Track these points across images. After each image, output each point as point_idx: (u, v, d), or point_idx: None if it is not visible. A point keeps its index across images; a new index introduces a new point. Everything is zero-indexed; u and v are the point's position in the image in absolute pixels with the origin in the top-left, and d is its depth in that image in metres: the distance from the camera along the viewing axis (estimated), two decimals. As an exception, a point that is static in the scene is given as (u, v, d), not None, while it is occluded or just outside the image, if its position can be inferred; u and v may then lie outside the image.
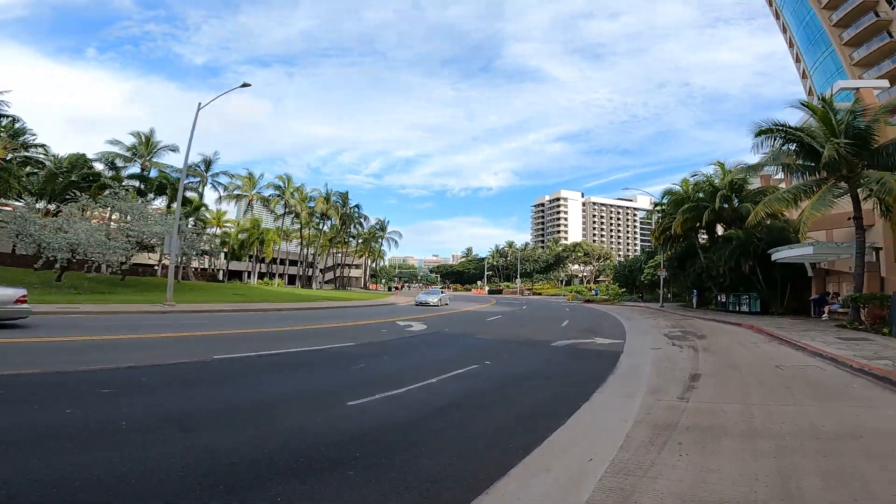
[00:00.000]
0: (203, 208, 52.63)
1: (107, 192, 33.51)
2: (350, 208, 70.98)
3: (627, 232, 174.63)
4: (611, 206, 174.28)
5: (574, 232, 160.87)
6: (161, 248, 31.89)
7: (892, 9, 37.93)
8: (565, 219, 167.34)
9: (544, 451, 4.51)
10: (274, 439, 4.51)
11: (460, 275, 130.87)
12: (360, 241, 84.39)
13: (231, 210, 65.82)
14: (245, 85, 26.25)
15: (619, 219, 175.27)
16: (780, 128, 16.01)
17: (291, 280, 71.28)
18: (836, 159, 14.51)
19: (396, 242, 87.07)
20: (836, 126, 15.22)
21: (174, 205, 46.55)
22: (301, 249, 67.84)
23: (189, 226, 40.16)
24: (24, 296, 10.53)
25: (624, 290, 57.82)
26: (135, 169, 43.68)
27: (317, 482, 3.53)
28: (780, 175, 35.09)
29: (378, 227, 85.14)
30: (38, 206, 33.42)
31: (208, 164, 51.83)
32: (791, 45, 51.59)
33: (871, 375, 7.53)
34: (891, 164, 14.72)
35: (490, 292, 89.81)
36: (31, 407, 4.95)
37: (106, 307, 16.64)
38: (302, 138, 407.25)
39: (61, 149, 61.91)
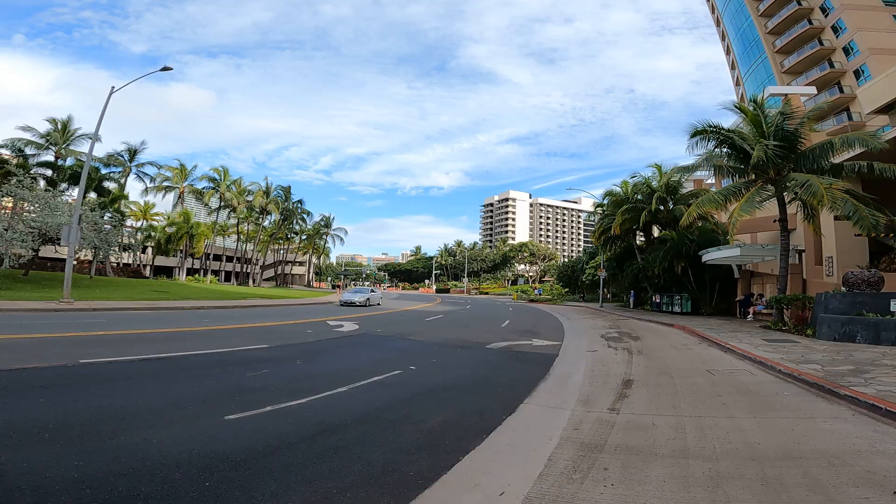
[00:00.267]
0: (123, 199, 48.50)
1: (14, 181, 29.95)
2: (293, 203, 68.09)
3: (572, 233, 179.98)
4: (557, 207, 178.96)
5: (521, 232, 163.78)
6: (85, 245, 28.99)
7: (826, 16, 40.55)
8: (513, 219, 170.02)
9: (449, 482, 3.71)
10: (97, 461, 3.59)
11: (409, 273, 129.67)
12: (303, 237, 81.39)
13: (164, 203, 61.46)
14: (166, 68, 24.20)
15: (564, 220, 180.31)
16: (714, 129, 16.30)
17: (230, 277, 67.38)
18: (764, 161, 14.86)
19: (342, 239, 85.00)
20: (766, 128, 15.65)
21: (90, 195, 42.90)
22: (238, 245, 64.24)
23: (105, 217, 36.70)
24: None
25: (567, 289, 59.03)
26: (49, 157, 39.48)
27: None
28: (712, 180, 36.82)
29: (323, 223, 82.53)
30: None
31: (133, 153, 47.66)
32: (728, 53, 54.32)
33: (801, 381, 7.34)
34: (816, 168, 15.30)
35: (438, 291, 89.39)
36: None
37: (-15, 305, 14.38)
38: (248, 132, 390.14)
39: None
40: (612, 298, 45.20)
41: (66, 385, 5.97)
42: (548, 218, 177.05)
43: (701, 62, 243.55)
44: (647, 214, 28.71)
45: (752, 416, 5.71)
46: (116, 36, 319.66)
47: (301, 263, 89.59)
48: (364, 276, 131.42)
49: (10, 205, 32.99)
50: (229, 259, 70.47)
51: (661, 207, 28.93)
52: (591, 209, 41.39)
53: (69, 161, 40.59)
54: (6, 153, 37.45)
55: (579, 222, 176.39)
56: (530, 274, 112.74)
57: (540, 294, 59.61)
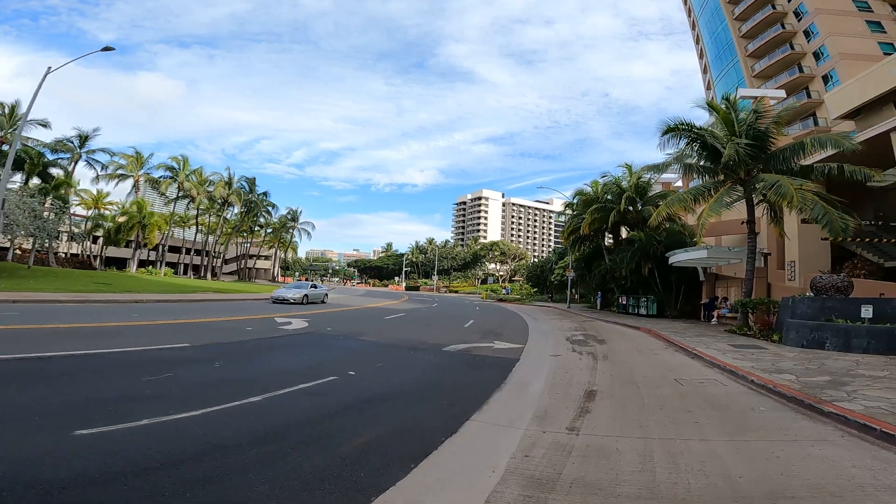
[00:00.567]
0: (72, 187, 45.44)
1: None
2: (257, 195, 65.47)
3: (543, 233, 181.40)
4: (529, 207, 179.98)
5: (493, 231, 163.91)
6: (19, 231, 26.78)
7: (799, 21, 41.18)
8: (485, 218, 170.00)
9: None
10: None
11: (379, 270, 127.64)
12: (268, 230, 78.66)
13: (122, 192, 58.01)
14: (107, 48, 22.54)
15: (536, 221, 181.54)
16: (686, 126, 15.85)
17: (188, 270, 64.28)
18: (735, 160, 14.46)
19: (309, 234, 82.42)
20: (737, 127, 15.27)
21: (33, 180, 39.98)
22: (197, 237, 61.37)
23: (46, 205, 34.13)
24: None
25: (536, 289, 58.81)
26: (-8, 143, 36.50)
27: None
28: (680, 183, 37.02)
29: (290, 216, 79.86)
30: None
31: (84, 139, 44.48)
32: (702, 56, 54.97)
33: (776, 394, 6.68)
34: (785, 169, 14.99)
35: (407, 288, 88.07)
36: None
37: None
38: (219, 123, 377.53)
39: None
40: (580, 299, 45.08)
41: None
42: (520, 218, 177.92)
43: (674, 68, 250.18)
44: (616, 215, 28.39)
45: (728, 439, 4.94)
46: (85, 24, 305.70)
47: (267, 257, 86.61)
48: (332, 271, 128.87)
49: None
50: (189, 251, 67.30)
51: (631, 208, 28.66)
52: (562, 209, 41.04)
53: (17, 146, 37.89)
54: None
55: (551, 223, 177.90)
56: (501, 273, 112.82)
57: (508, 293, 59.22)
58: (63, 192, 40.41)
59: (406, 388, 7.01)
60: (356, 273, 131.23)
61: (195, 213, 60.04)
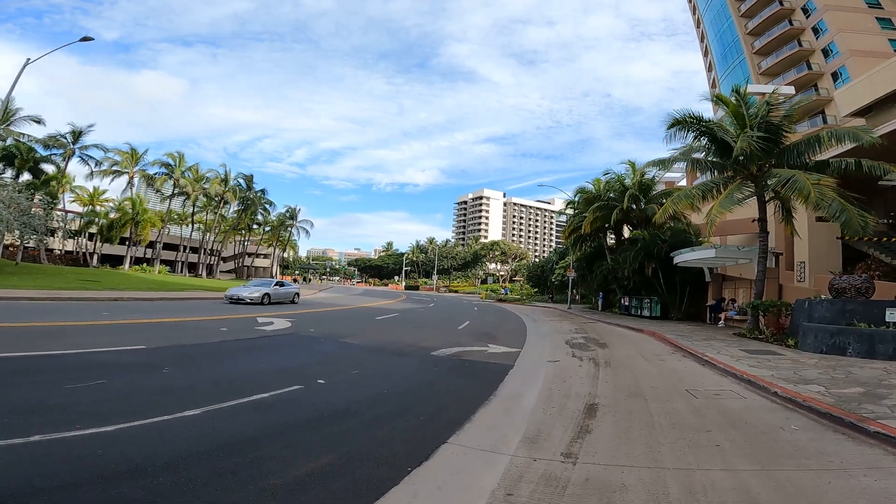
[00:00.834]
0: (67, 183, 44.77)
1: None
2: (255, 193, 64.60)
3: (544, 233, 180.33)
4: (530, 207, 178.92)
5: (494, 231, 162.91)
6: (2, 227, 25.92)
7: (808, 17, 40.19)
8: (486, 218, 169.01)
9: None
10: None
11: (379, 269, 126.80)
12: (266, 228, 77.82)
13: (116, 189, 57.26)
14: (85, 38, 21.72)
15: (537, 220, 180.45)
16: (694, 119, 14.91)
17: (192, 268, 63.42)
18: (747, 154, 13.51)
19: (308, 232, 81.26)
20: (748, 120, 14.30)
21: (24, 176, 39.33)
22: (193, 234, 60.57)
23: (34, 200, 33.31)
24: None
25: (536, 290, 57.86)
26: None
27: None
28: (684, 182, 36.04)
29: (288, 214, 78.96)
30: None
31: (77, 135, 43.69)
32: (706, 54, 53.88)
33: (806, 409, 5.76)
34: (799, 164, 14.03)
35: (407, 288, 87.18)
36: None
37: None
38: (220, 122, 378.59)
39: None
40: (581, 300, 44.11)
41: None
42: (521, 218, 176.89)
43: (676, 69, 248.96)
44: (619, 213, 27.46)
45: (760, 468, 4.03)
46: (88, 22, 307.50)
47: (266, 256, 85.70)
48: (332, 270, 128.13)
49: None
50: (186, 249, 66.51)
51: (634, 206, 27.74)
52: (563, 208, 40.13)
53: (9, 142, 37.39)
54: None
55: (552, 222, 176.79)
56: (501, 273, 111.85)
57: (508, 293, 58.25)
58: (53, 187, 39.66)
59: (378, 400, 6.11)
60: (356, 272, 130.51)
61: (198, 210, 59.36)
